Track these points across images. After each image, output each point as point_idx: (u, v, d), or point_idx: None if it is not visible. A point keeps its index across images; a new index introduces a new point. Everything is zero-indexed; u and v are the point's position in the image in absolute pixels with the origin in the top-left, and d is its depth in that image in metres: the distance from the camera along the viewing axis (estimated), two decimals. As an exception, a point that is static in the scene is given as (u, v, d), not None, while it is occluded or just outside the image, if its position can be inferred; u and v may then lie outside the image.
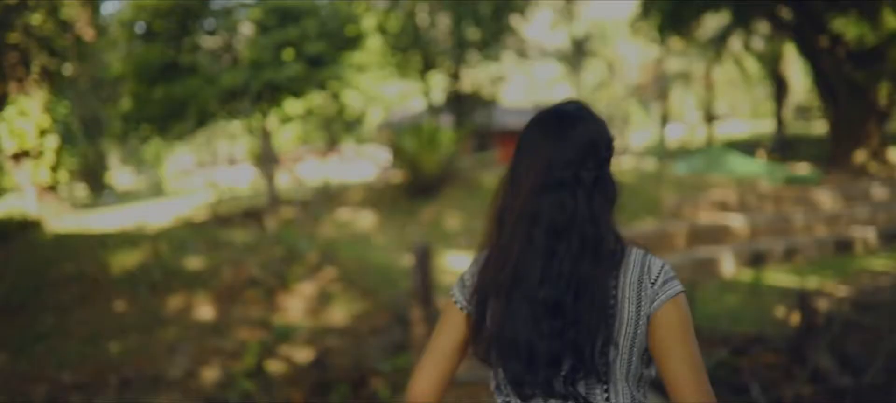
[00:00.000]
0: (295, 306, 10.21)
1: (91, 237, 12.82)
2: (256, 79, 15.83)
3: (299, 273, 10.74)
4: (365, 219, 16.50)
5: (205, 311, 10.25)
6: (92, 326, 10.19)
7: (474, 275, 1.74)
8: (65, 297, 10.84)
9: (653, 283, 1.59)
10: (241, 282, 10.73)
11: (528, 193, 1.60)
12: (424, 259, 7.68)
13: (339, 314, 9.97)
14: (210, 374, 8.99)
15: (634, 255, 1.64)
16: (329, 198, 18.45)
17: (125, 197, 33.35)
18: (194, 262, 11.37)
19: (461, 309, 1.75)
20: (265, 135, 17.99)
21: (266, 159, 17.72)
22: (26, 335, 10.12)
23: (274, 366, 8.98)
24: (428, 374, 1.72)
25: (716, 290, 12.09)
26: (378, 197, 18.26)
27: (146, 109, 16.86)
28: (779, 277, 13.48)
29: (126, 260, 11.57)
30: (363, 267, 11.38)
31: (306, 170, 29.28)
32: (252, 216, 16.77)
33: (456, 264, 12.97)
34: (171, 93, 16.21)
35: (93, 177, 34.73)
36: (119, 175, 49.77)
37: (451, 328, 1.75)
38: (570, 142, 1.62)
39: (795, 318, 10.14)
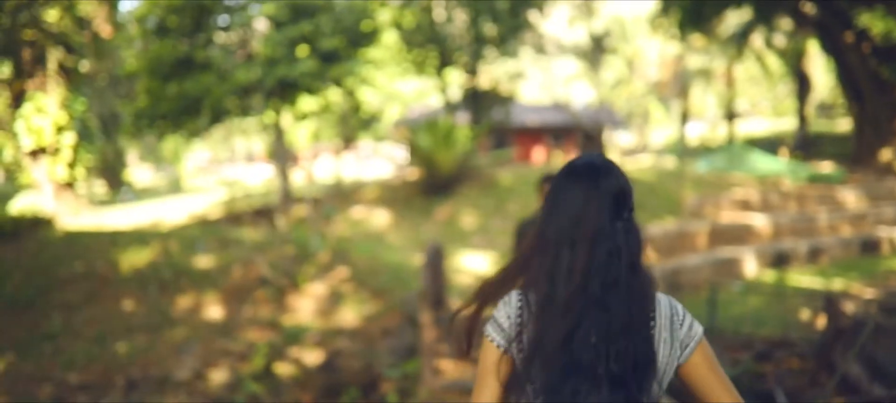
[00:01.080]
0: (305, 306, 10.00)
1: (102, 235, 12.67)
2: (270, 76, 15.60)
3: (310, 272, 10.52)
4: (379, 218, 16.26)
5: (214, 311, 10.06)
6: (100, 325, 10.03)
7: (517, 320, 1.75)
8: (73, 296, 10.69)
9: (681, 326, 1.75)
10: (250, 282, 10.53)
11: (566, 243, 1.70)
12: (436, 259, 7.41)
13: (349, 315, 9.74)
14: (218, 376, 8.80)
15: (660, 299, 1.77)
16: (343, 195, 18.24)
17: (144, 193, 33.33)
18: (204, 261, 11.19)
19: (498, 347, 1.76)
20: (279, 133, 17.81)
21: (279, 156, 17.52)
22: (34, 334, 9.98)
23: (283, 368, 8.77)
24: None
25: (738, 292, 11.76)
26: (393, 194, 18.01)
27: (160, 106, 16.68)
28: (803, 278, 13.12)
29: (136, 259, 11.41)
30: (375, 267, 11.14)
31: (324, 167, 29.12)
32: (265, 214, 16.60)
33: (471, 264, 12.70)
34: (185, 90, 16.02)
35: (111, 173, 34.81)
36: (138, 172, 49.96)
37: (495, 369, 1.76)
38: (603, 192, 1.73)
39: (821, 322, 9.82)
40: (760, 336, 9.04)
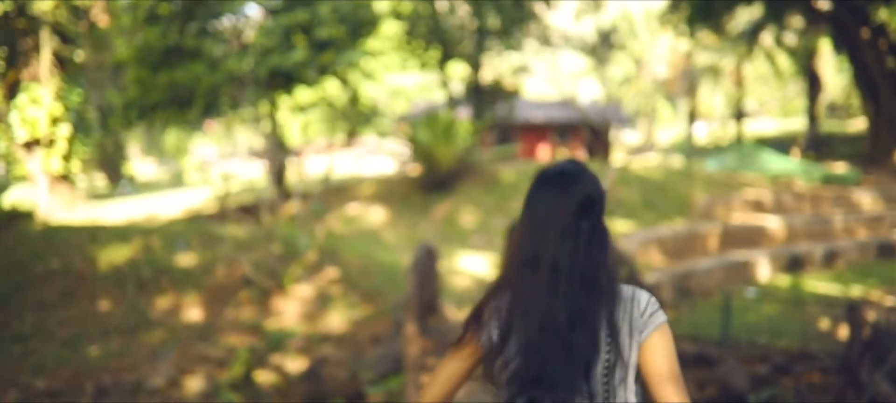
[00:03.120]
0: (290, 309, 9.37)
1: (82, 230, 12.07)
2: (262, 65, 14.93)
3: (297, 273, 9.89)
4: (375, 215, 15.62)
5: (193, 313, 9.45)
6: (73, 327, 9.45)
7: (498, 311, 1.87)
8: (48, 294, 10.11)
9: (642, 314, 1.80)
10: (234, 282, 9.92)
11: (536, 242, 1.82)
12: (426, 263, 6.74)
13: (337, 319, 9.11)
14: (194, 383, 8.20)
15: (625, 291, 1.83)
16: (339, 192, 17.58)
17: (145, 187, 32.82)
18: (186, 259, 10.59)
19: (477, 341, 1.88)
20: (272, 126, 17.19)
21: (270, 151, 16.89)
22: (4, 335, 9.40)
23: (263, 376, 8.17)
24: (436, 395, 1.94)
25: (752, 298, 11.12)
26: (390, 191, 17.34)
27: (150, 96, 16.04)
28: (819, 284, 12.50)
29: (116, 256, 10.81)
30: (367, 268, 10.51)
31: (324, 163, 28.47)
32: (256, 210, 15.87)
33: (470, 265, 12.07)
34: (175, 79, 15.36)
35: (111, 167, 34.34)
36: (141, 165, 49.67)
37: (463, 355, 1.92)
38: (570, 196, 1.83)
39: (843, 332, 9.19)
40: (778, 348, 8.42)
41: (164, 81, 15.60)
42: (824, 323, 9.55)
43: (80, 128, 18.24)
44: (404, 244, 13.29)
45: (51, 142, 16.87)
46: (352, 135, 25.25)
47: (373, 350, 8.27)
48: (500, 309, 1.85)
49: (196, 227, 12.66)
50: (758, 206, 16.20)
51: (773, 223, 14.82)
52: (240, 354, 8.37)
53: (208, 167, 46.46)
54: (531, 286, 1.79)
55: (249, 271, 9.77)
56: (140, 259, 10.65)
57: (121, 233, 11.77)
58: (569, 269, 1.77)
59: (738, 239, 14.15)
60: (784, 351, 8.27)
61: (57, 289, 10.23)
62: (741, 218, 15.39)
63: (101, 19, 18.24)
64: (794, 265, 13.53)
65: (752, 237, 14.36)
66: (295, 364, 8.27)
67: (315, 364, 8.15)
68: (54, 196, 17.02)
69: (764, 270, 13.04)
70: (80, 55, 18.71)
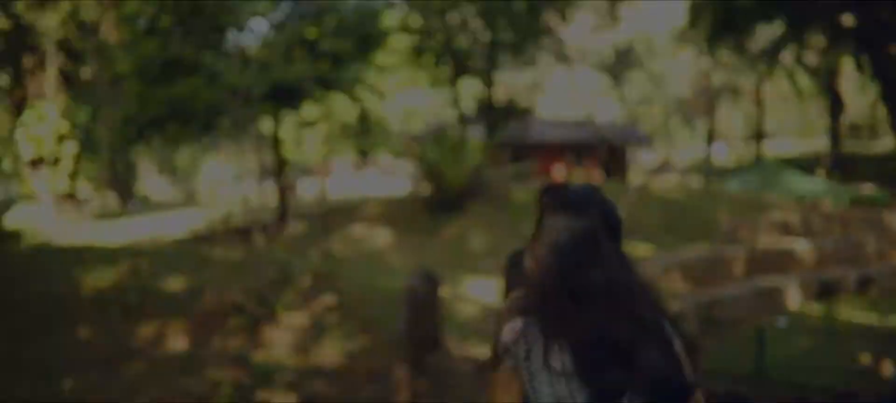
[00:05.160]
0: (281, 340, 8.65)
1: (70, 252, 11.44)
2: (262, 79, 14.28)
3: (290, 299, 9.17)
4: (379, 237, 14.91)
5: (178, 342, 8.75)
6: (50, 357, 8.76)
7: (524, 345, 1.70)
8: (26, 321, 9.43)
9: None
10: (223, 309, 9.20)
11: (564, 266, 1.73)
12: (425, 292, 5.97)
13: (331, 351, 8.37)
14: (171, 423, 7.48)
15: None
16: (341, 213, 16.91)
17: (156, 207, 32.35)
18: (176, 284, 9.91)
19: (509, 367, 1.72)
20: (273, 143, 16.59)
21: (268, 170, 16.30)
22: (-25, 366, 8.73)
23: (247, 415, 7.45)
24: None
25: (783, 329, 10.31)
26: (397, 212, 16.63)
27: (148, 111, 15.42)
28: (854, 313, 11.66)
29: (102, 280, 10.15)
30: (366, 295, 9.78)
31: (326, 183, 27.90)
32: (257, 231, 15.22)
33: (479, 292, 11.32)
34: (173, 94, 14.75)
35: (122, 185, 34.00)
36: (155, 184, 49.51)
37: (507, 386, 1.72)
38: (593, 217, 1.78)
39: (887, 368, 8.40)
40: (817, 386, 7.60)
41: (162, 96, 15.00)
42: (865, 358, 8.74)
43: (88, 146, 17.88)
44: (409, 268, 12.52)
45: (57, 160, 16.53)
46: (364, 154, 24.65)
47: (368, 388, 7.52)
48: (527, 339, 1.69)
49: (189, 250, 12.01)
50: (785, 229, 15.41)
51: (802, 246, 14.00)
52: (224, 390, 7.67)
53: (220, 186, 46.16)
54: (571, 313, 1.67)
55: (239, 297, 9.06)
56: (127, 283, 9.98)
57: (110, 256, 11.12)
58: (605, 294, 1.68)
59: (765, 264, 13.33)
60: (824, 390, 7.47)
61: (36, 316, 9.56)
62: (768, 241, 14.59)
63: (112, 35, 17.80)
64: (826, 291, 12.71)
65: (781, 261, 13.54)
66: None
67: (304, 403, 7.43)
68: (60, 214, 16.61)
69: (794, 297, 12.22)
70: (87, 72, 18.34)
